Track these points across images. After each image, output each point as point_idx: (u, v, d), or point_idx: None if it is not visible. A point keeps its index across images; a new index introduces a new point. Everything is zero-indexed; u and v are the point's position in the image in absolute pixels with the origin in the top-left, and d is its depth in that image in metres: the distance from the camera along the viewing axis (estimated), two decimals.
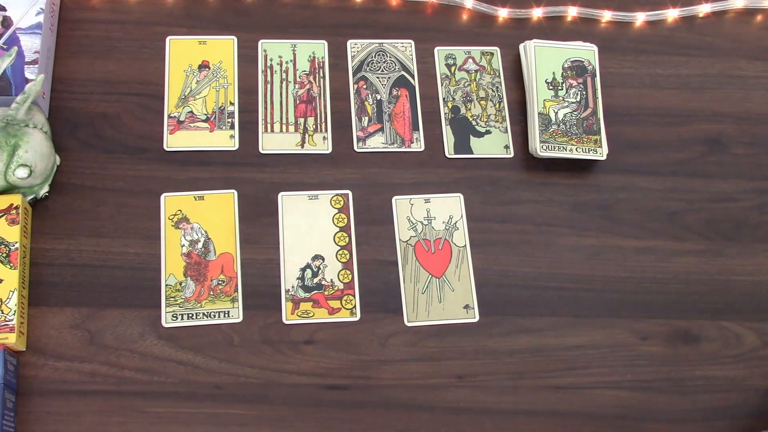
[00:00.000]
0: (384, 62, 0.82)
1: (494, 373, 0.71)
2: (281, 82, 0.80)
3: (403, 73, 0.82)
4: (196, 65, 0.79)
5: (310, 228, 0.74)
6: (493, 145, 0.80)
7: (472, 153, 0.79)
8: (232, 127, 0.77)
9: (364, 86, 0.81)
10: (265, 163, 0.76)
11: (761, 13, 0.90)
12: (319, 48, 0.81)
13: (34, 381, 0.66)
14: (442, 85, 0.82)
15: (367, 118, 0.79)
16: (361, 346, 0.71)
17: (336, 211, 0.75)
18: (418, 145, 0.79)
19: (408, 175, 0.78)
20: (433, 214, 0.76)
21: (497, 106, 0.81)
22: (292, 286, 0.72)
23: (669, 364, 0.73)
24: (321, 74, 0.80)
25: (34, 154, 0.68)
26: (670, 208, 0.79)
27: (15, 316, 0.65)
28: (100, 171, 0.74)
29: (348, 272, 0.73)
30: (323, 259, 0.73)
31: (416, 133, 0.79)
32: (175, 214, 0.73)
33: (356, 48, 0.82)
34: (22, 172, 0.67)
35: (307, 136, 0.78)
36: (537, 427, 0.63)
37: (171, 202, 0.74)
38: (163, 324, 0.69)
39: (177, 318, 0.70)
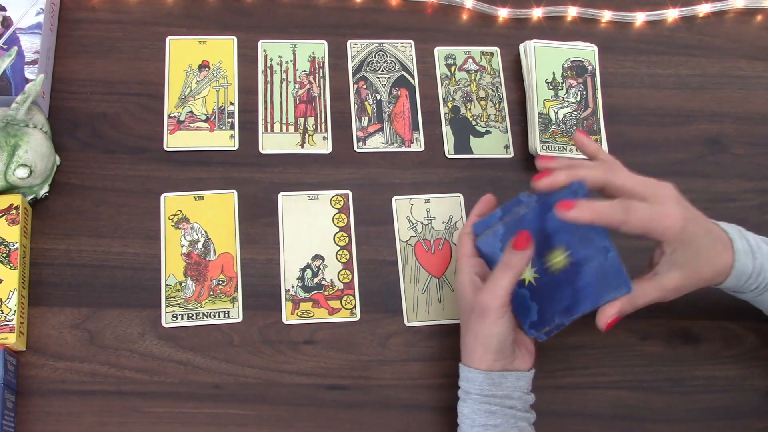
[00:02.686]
0: (384, 62, 0.82)
1: None
2: (281, 82, 0.80)
3: (403, 73, 0.82)
4: (196, 65, 0.79)
5: (310, 228, 0.74)
6: (493, 145, 0.80)
7: (472, 153, 0.79)
8: (232, 127, 0.77)
9: (364, 86, 0.81)
10: (265, 163, 0.76)
11: (761, 13, 0.90)
12: (319, 48, 0.82)
13: (34, 381, 0.66)
14: (442, 85, 0.82)
15: (367, 118, 0.79)
16: (361, 346, 0.71)
17: (336, 211, 0.75)
18: (418, 145, 0.79)
19: (408, 175, 0.78)
20: (433, 214, 0.76)
21: (497, 106, 0.81)
22: (292, 286, 0.72)
23: (669, 364, 0.73)
24: (321, 74, 0.80)
25: (34, 154, 0.68)
26: None
27: (15, 316, 0.65)
28: (100, 171, 0.74)
29: (348, 272, 0.73)
30: (323, 259, 0.73)
31: (416, 133, 0.79)
32: (175, 214, 0.73)
33: (356, 48, 0.82)
34: (22, 172, 0.67)
35: (307, 136, 0.78)
36: (537, 428, 0.63)
37: (171, 202, 0.74)
38: (163, 324, 0.69)
39: (177, 318, 0.70)
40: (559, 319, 0.63)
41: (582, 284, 0.61)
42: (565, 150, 0.77)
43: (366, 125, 0.79)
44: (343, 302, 0.72)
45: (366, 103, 0.80)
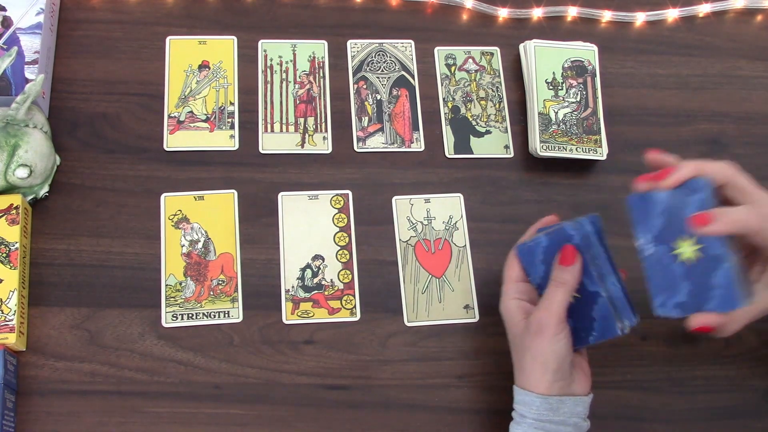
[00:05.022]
0: (384, 62, 0.82)
1: (494, 373, 0.71)
2: (281, 82, 0.80)
3: (403, 73, 0.82)
4: (196, 65, 0.79)
5: (310, 228, 0.74)
6: (493, 145, 0.80)
7: (472, 153, 0.79)
8: (232, 127, 0.77)
9: (364, 86, 0.81)
10: (265, 163, 0.76)
11: (761, 13, 0.90)
12: (319, 48, 0.82)
13: (34, 381, 0.66)
14: (442, 85, 0.82)
15: (367, 118, 0.79)
16: (361, 346, 0.71)
17: (336, 211, 0.75)
18: (418, 145, 0.79)
19: (408, 175, 0.78)
20: (433, 214, 0.76)
21: (497, 106, 0.81)
22: (292, 286, 0.72)
23: (669, 364, 0.73)
24: (321, 74, 0.81)
25: (34, 154, 0.68)
26: None
27: (15, 316, 0.65)
28: (100, 171, 0.74)
29: (348, 272, 0.73)
30: (323, 259, 0.73)
31: (416, 133, 0.79)
32: (175, 214, 0.73)
33: (356, 48, 0.82)
34: (22, 172, 0.67)
35: (307, 136, 0.78)
36: None
37: (171, 202, 0.74)
38: (163, 324, 0.69)
39: (177, 318, 0.70)
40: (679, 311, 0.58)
41: (712, 284, 0.56)
42: (565, 150, 0.77)
43: (366, 125, 0.79)
44: (343, 302, 0.72)
45: (366, 103, 0.80)
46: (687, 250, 0.58)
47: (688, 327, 0.57)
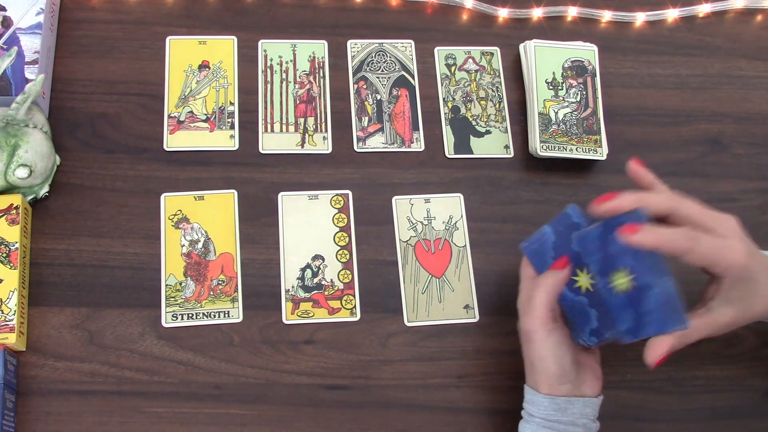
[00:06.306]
0: (384, 62, 0.82)
1: (494, 373, 0.71)
2: (281, 82, 0.80)
3: (403, 73, 0.82)
4: (196, 65, 0.79)
5: (310, 228, 0.74)
6: (493, 145, 0.80)
7: (472, 153, 0.79)
8: (232, 127, 0.77)
9: (364, 86, 0.81)
10: (265, 163, 0.76)
11: (761, 13, 0.90)
12: (319, 48, 0.82)
13: (34, 381, 0.66)
14: (442, 85, 0.82)
15: (367, 118, 0.79)
16: (361, 346, 0.71)
17: (336, 211, 0.75)
18: (418, 145, 0.79)
19: (408, 175, 0.78)
20: (433, 214, 0.76)
21: (497, 106, 0.81)
22: (292, 286, 0.72)
23: (669, 364, 0.73)
24: (321, 74, 0.81)
25: (34, 154, 0.68)
26: None
27: (15, 316, 0.65)
28: (100, 171, 0.74)
29: (348, 272, 0.73)
30: (323, 259, 0.73)
31: (416, 133, 0.79)
32: (175, 214, 0.73)
33: (356, 48, 0.82)
34: (22, 172, 0.67)
35: (307, 136, 0.78)
36: None
37: (171, 202, 0.74)
38: (163, 324, 0.69)
39: (177, 318, 0.70)
40: (613, 336, 0.60)
41: (646, 310, 0.57)
42: (565, 150, 0.77)
43: (366, 125, 0.79)
44: (343, 302, 0.72)
45: (366, 103, 0.80)
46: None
47: (650, 366, 0.58)
